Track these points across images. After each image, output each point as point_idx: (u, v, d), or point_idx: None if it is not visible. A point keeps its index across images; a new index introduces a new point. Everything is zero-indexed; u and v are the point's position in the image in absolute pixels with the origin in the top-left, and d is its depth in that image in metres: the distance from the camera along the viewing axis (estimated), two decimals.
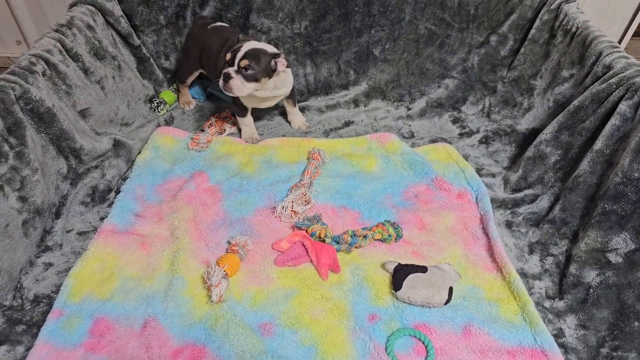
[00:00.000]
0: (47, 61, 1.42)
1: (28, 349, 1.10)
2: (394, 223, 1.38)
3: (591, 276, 1.23)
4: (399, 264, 1.25)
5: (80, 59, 1.57)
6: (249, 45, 1.48)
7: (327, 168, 1.65)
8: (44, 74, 1.40)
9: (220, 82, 1.50)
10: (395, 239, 1.36)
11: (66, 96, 1.48)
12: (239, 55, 1.46)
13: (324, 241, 1.35)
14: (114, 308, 1.19)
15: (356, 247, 1.34)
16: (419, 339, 1.13)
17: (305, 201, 1.48)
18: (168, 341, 1.12)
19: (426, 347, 1.11)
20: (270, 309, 1.20)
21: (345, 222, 1.45)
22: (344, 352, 1.10)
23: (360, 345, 1.11)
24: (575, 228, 1.36)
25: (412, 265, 1.24)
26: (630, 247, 1.20)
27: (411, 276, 1.20)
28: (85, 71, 1.59)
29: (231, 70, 1.47)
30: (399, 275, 1.21)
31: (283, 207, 1.45)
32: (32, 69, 1.36)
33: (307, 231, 1.37)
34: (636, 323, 1.13)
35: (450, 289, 1.18)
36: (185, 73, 1.89)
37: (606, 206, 1.26)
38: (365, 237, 1.34)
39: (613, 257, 1.22)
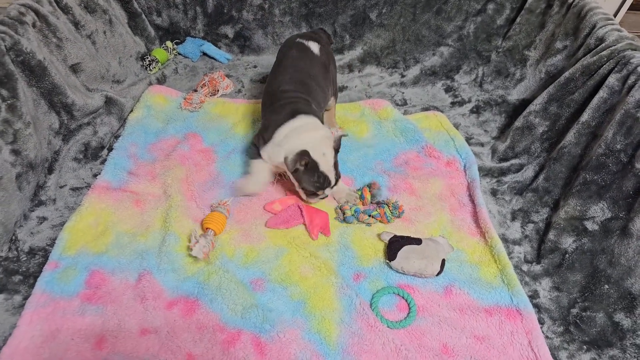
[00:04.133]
0: (37, 12, 1.40)
1: (25, 298, 1.14)
2: (395, 203, 1.38)
3: (568, 242, 1.30)
4: (395, 235, 1.29)
5: (71, 12, 1.54)
6: (328, 159, 1.27)
7: None
8: (34, 26, 1.38)
9: (313, 200, 1.36)
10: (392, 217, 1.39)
11: (57, 50, 1.47)
12: (332, 181, 1.30)
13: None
14: (109, 261, 1.23)
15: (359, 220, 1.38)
16: (402, 297, 1.20)
17: None
18: (162, 294, 1.17)
19: (408, 305, 1.18)
20: (261, 265, 1.25)
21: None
22: (331, 307, 1.16)
23: (347, 301, 1.17)
24: (557, 197, 1.42)
25: (407, 237, 1.28)
26: (606, 215, 1.26)
27: (406, 247, 1.24)
28: (76, 24, 1.57)
29: (328, 191, 1.33)
30: (394, 246, 1.25)
31: None
32: (21, 19, 1.34)
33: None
34: (606, 286, 1.20)
35: (443, 261, 1.23)
36: None
37: (587, 176, 1.31)
38: (371, 216, 1.37)
39: (590, 225, 1.29)
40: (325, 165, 1.27)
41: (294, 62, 1.45)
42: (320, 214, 1.35)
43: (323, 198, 1.38)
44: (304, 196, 1.37)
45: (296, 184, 1.34)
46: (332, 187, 1.33)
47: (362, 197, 1.41)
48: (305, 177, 1.28)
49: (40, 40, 1.40)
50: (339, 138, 1.31)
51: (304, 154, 1.25)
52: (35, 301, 1.13)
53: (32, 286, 1.17)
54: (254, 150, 1.41)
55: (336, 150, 1.30)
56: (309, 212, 1.35)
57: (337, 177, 1.31)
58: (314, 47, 1.51)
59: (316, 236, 1.32)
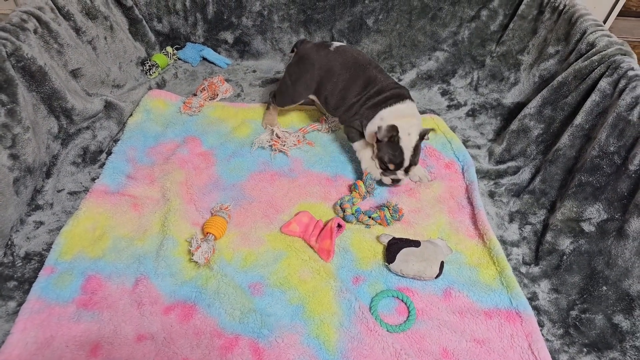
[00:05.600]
0: (38, 19, 1.34)
1: (20, 304, 1.06)
2: (395, 206, 1.31)
3: (565, 244, 1.23)
4: (393, 238, 1.22)
5: (72, 18, 1.48)
6: (411, 141, 1.28)
7: (321, 137, 1.60)
8: (35, 32, 1.32)
9: (386, 179, 1.36)
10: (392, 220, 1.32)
11: (58, 55, 1.40)
12: (406, 162, 1.30)
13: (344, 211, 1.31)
14: (106, 266, 1.15)
15: (358, 220, 1.30)
16: (402, 300, 1.12)
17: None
18: (159, 299, 1.09)
19: (408, 308, 1.10)
20: (260, 269, 1.17)
21: (339, 190, 1.41)
22: (330, 311, 1.08)
23: (346, 305, 1.10)
24: (553, 199, 1.35)
25: (406, 239, 1.21)
26: (602, 216, 1.20)
27: (404, 250, 1.17)
28: (77, 31, 1.50)
29: (401, 175, 1.34)
30: (393, 248, 1.18)
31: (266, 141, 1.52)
32: (23, 26, 1.28)
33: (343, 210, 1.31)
34: (604, 287, 1.13)
35: (442, 263, 1.16)
36: (289, 98, 1.53)
37: (582, 178, 1.25)
38: (371, 217, 1.29)
39: (586, 226, 1.22)
40: (406, 143, 1.28)
41: (355, 57, 1.42)
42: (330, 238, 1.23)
43: (395, 181, 1.35)
44: (376, 172, 1.36)
45: (375, 151, 1.35)
46: (405, 171, 1.33)
47: (356, 188, 1.34)
48: (385, 147, 1.30)
49: (41, 46, 1.34)
50: (427, 130, 1.32)
51: (392, 128, 1.27)
52: (30, 307, 1.04)
53: (27, 292, 1.08)
54: (352, 132, 1.43)
55: (421, 137, 1.31)
56: (325, 232, 1.23)
57: (413, 162, 1.31)
58: (339, 43, 1.50)
59: (328, 259, 1.21)
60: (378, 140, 1.31)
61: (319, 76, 1.43)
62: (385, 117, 1.31)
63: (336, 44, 1.46)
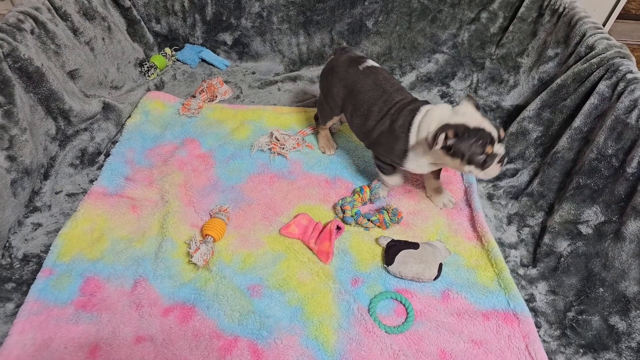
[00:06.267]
0: (35, 19, 1.35)
1: (18, 306, 1.08)
2: (394, 209, 1.33)
3: (563, 246, 1.25)
4: (392, 240, 1.24)
5: (70, 19, 1.49)
6: (474, 115, 1.10)
7: None
8: (32, 32, 1.33)
9: (498, 168, 1.12)
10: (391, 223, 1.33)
11: (55, 56, 1.42)
12: (494, 131, 1.08)
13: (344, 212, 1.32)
14: (105, 268, 1.17)
15: (357, 222, 1.33)
16: (400, 302, 1.14)
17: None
18: (158, 300, 1.11)
19: (406, 309, 1.12)
20: (259, 271, 1.19)
21: (338, 192, 1.43)
22: (328, 312, 1.10)
23: (345, 307, 1.12)
24: (551, 201, 1.37)
25: (404, 241, 1.23)
26: (600, 219, 1.22)
27: (403, 252, 1.19)
28: (75, 31, 1.52)
29: (500, 149, 1.10)
30: (392, 250, 1.20)
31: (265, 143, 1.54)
32: (20, 26, 1.30)
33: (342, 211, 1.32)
34: (601, 289, 1.16)
35: (440, 265, 1.18)
36: (326, 116, 1.49)
37: (580, 180, 1.27)
38: (370, 220, 1.31)
39: (584, 229, 1.24)
40: (474, 121, 1.06)
41: (380, 82, 1.31)
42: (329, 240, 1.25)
43: (502, 161, 1.10)
44: (480, 173, 1.10)
45: (462, 163, 1.10)
46: (501, 141, 1.10)
47: (361, 192, 1.36)
48: (463, 145, 1.06)
49: (38, 47, 1.35)
50: (474, 97, 1.14)
51: (444, 127, 1.06)
52: (28, 309, 1.06)
53: (25, 294, 1.10)
54: (383, 166, 1.33)
55: (476, 105, 1.11)
56: (324, 234, 1.25)
57: (496, 126, 1.08)
58: (373, 62, 1.40)
59: (327, 260, 1.23)
60: (448, 149, 1.10)
61: (343, 94, 1.37)
62: (423, 124, 1.15)
63: (369, 63, 1.37)
